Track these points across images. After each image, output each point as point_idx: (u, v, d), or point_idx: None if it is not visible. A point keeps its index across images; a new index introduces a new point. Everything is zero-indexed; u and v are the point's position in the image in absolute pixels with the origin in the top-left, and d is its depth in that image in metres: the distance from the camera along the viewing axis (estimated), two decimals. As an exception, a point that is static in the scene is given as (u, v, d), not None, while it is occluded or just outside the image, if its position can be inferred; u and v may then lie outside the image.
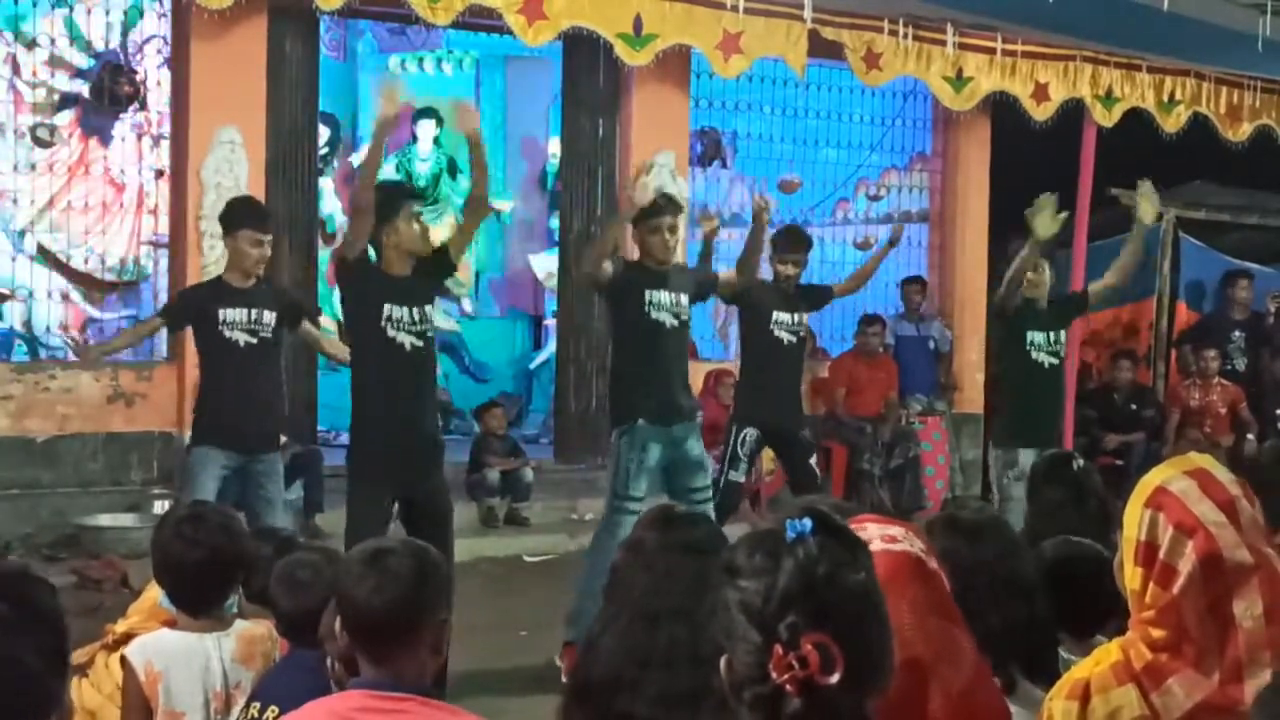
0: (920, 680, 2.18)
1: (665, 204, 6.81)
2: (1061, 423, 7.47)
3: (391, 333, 5.88)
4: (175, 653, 3.36)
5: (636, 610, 2.76)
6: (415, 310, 5.93)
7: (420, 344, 5.95)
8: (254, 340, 6.71)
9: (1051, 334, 7.37)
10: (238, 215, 6.84)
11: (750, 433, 7.81)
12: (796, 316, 7.80)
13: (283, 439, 9.39)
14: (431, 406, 6.31)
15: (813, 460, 7.92)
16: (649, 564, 2.80)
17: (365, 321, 5.95)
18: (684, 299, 6.81)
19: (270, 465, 6.81)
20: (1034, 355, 7.31)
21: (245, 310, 6.69)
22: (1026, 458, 6.63)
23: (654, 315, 6.70)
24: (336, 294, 7.81)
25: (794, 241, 7.96)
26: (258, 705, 3.17)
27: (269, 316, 6.72)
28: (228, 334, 6.67)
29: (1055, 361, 7.37)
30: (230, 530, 3.44)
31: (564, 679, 6.37)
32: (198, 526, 3.41)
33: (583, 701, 2.80)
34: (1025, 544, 3.10)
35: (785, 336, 7.74)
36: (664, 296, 6.73)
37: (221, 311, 6.66)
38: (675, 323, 6.79)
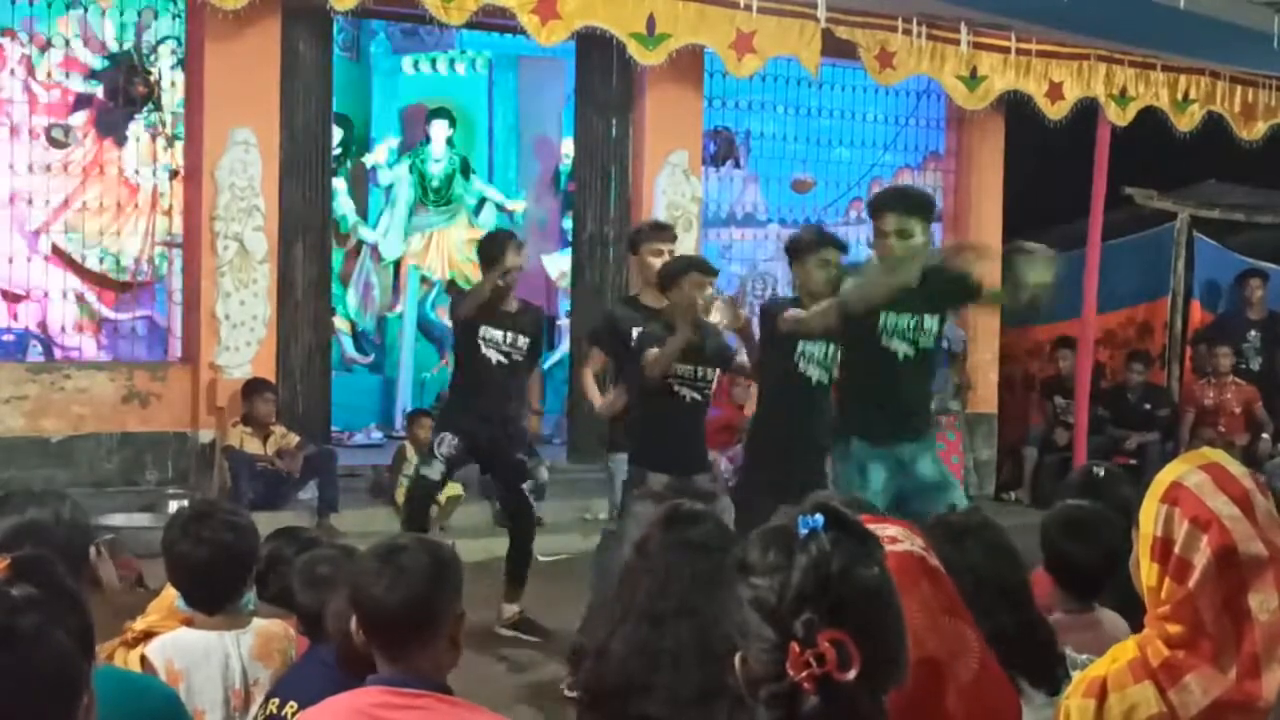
0: (936, 678, 2.18)
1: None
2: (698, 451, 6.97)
3: (803, 366, 6.42)
4: (195, 651, 3.36)
5: (642, 612, 2.76)
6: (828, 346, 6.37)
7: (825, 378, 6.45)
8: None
9: (696, 369, 6.74)
10: (643, 233, 7.35)
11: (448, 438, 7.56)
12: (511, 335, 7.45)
13: (297, 438, 9.48)
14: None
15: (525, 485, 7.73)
16: (651, 565, 2.80)
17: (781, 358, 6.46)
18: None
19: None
20: (675, 387, 6.71)
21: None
22: (656, 480, 6.49)
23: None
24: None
25: None
26: (276, 701, 3.18)
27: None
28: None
29: (698, 397, 6.75)
30: (237, 527, 3.42)
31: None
32: (204, 524, 3.40)
33: (597, 708, 2.80)
34: (1014, 549, 3.07)
35: (496, 356, 7.41)
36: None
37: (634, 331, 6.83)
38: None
